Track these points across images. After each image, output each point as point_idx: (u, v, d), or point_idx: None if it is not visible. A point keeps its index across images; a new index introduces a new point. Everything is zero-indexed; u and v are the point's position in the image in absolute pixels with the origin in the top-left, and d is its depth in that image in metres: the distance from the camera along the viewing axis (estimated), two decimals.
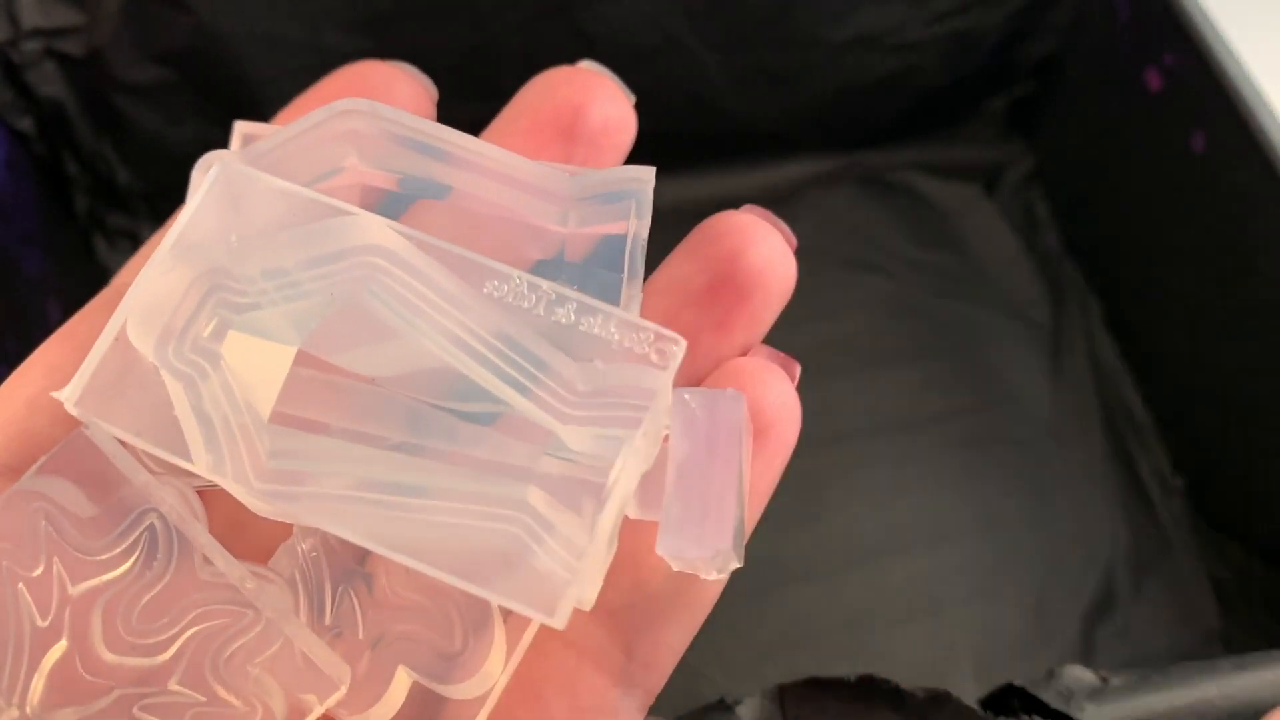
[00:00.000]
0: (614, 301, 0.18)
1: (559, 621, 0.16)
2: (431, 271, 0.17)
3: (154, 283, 0.17)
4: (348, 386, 0.17)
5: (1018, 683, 0.25)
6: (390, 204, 0.19)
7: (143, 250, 0.21)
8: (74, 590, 0.17)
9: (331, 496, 0.17)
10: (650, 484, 0.17)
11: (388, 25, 0.41)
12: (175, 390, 0.17)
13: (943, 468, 0.43)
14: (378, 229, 0.17)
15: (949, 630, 0.39)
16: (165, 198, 0.44)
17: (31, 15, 0.39)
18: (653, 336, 0.17)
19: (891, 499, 0.42)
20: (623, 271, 0.19)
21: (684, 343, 0.17)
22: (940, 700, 0.24)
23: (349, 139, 0.19)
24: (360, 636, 0.18)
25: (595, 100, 0.20)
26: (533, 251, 0.19)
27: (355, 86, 0.21)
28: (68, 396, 0.17)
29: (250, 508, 0.17)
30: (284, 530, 0.19)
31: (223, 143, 0.47)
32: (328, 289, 0.17)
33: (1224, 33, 0.39)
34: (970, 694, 0.25)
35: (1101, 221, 0.47)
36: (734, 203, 0.21)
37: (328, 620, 0.18)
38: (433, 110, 0.22)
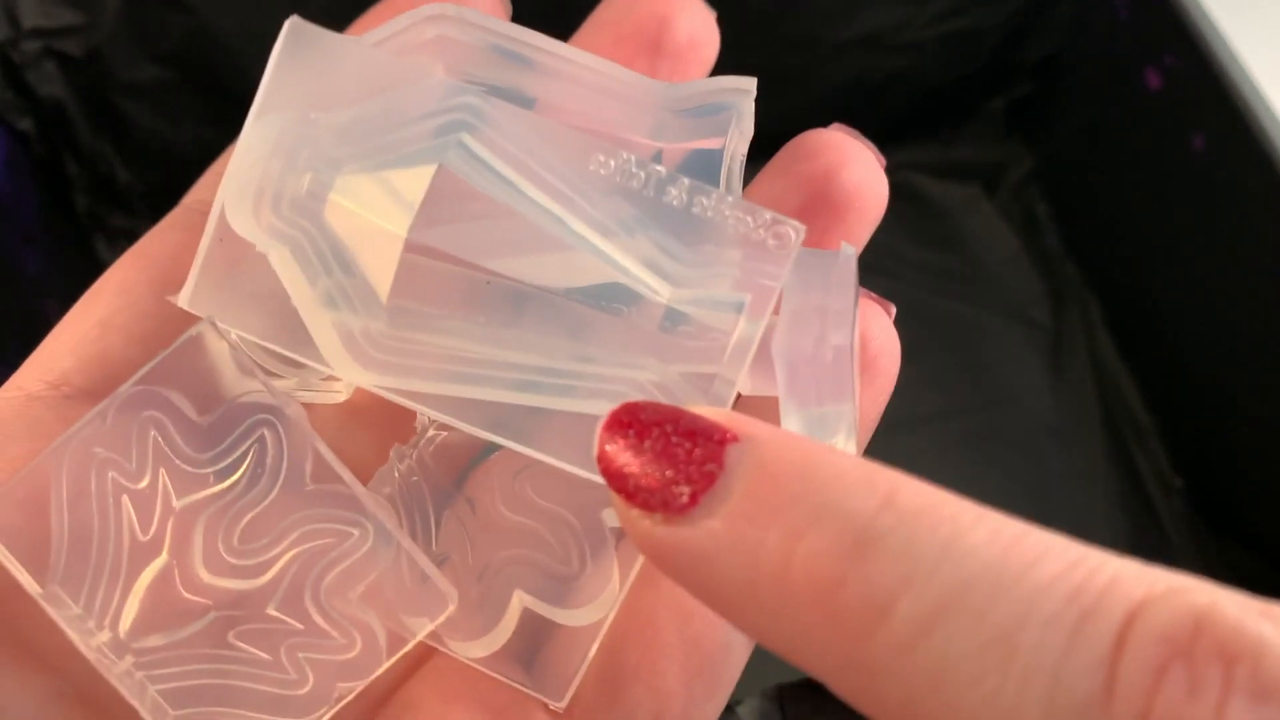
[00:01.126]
0: None
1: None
2: (534, 135, 0.16)
3: (242, 159, 0.16)
4: (459, 275, 0.16)
5: None
6: None
7: (215, 165, 0.20)
8: (179, 504, 0.16)
9: (451, 373, 0.16)
10: (762, 362, 0.16)
11: None
12: (282, 258, 0.15)
13: (943, 467, 0.43)
14: (472, 89, 0.16)
15: None
16: (165, 198, 0.44)
17: (31, 15, 0.39)
18: (769, 219, 0.16)
19: None
20: (720, 187, 0.17)
21: (803, 228, 0.16)
22: None
23: (436, 46, 0.17)
24: (469, 562, 0.17)
25: (681, 12, 0.20)
26: None
27: None
28: (182, 297, 0.16)
29: (365, 385, 0.16)
30: (373, 461, 0.18)
31: (224, 144, 0.46)
32: (427, 143, 0.16)
33: (1224, 33, 0.39)
34: None
35: (1101, 221, 0.47)
36: None
37: (434, 546, 0.17)
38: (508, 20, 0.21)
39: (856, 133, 0.19)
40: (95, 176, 0.43)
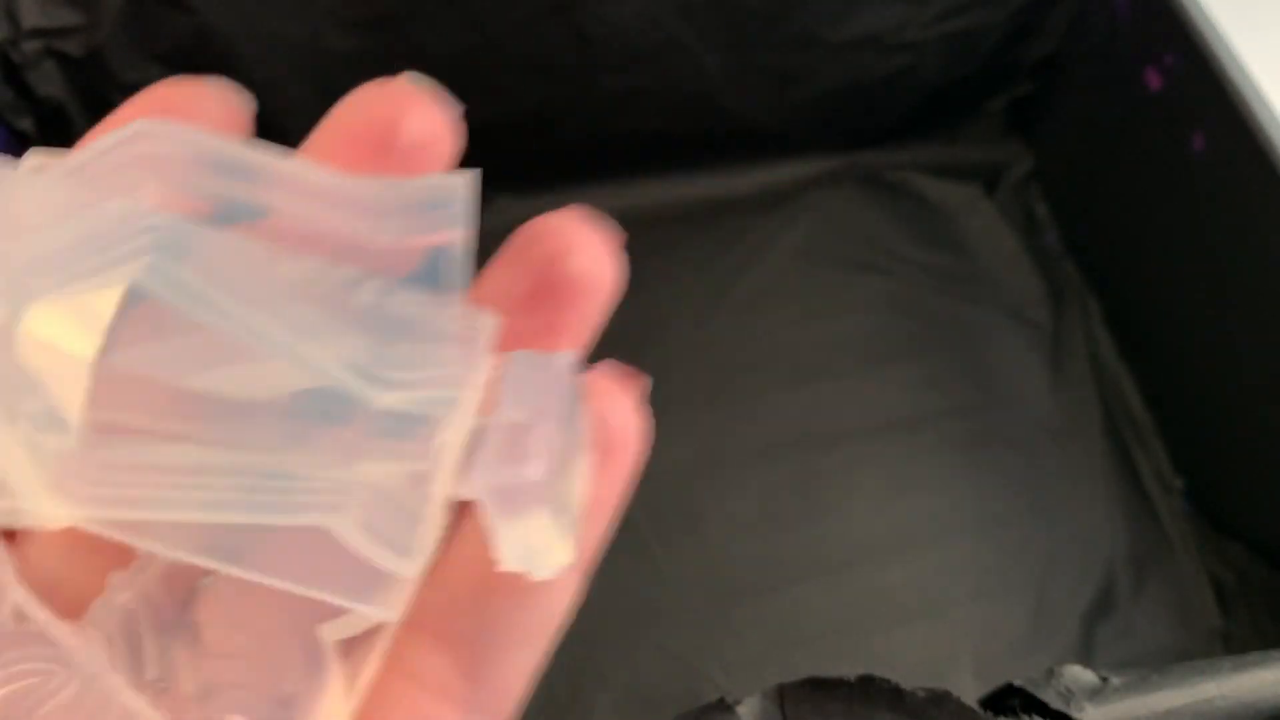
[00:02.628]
0: None
1: (395, 614, 0.16)
2: (222, 252, 0.16)
3: None
4: (154, 393, 0.16)
5: (1018, 683, 0.25)
6: None
7: None
8: None
9: (153, 497, 0.15)
10: (470, 467, 0.16)
11: (388, 25, 0.41)
12: None
13: (943, 468, 0.43)
14: (156, 211, 0.16)
15: (949, 630, 0.39)
16: None
17: (31, 15, 0.39)
18: (462, 312, 0.16)
19: (891, 499, 0.42)
20: (453, 280, 0.18)
21: (496, 317, 0.16)
22: (940, 700, 0.24)
23: (145, 164, 0.17)
24: (188, 690, 0.17)
25: (409, 112, 0.20)
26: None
27: (157, 108, 0.19)
28: None
29: (66, 519, 0.16)
30: (97, 589, 0.18)
31: None
32: (117, 268, 0.15)
33: (1224, 33, 0.39)
34: (970, 694, 0.25)
35: (1101, 221, 0.47)
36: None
37: (150, 675, 0.17)
38: (248, 125, 0.20)
39: (587, 215, 0.20)
40: None
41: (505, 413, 0.16)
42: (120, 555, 0.18)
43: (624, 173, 0.47)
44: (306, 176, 0.18)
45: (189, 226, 0.16)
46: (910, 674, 0.25)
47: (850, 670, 0.25)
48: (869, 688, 0.24)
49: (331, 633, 0.17)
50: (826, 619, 0.39)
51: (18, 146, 0.40)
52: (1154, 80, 0.42)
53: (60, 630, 0.16)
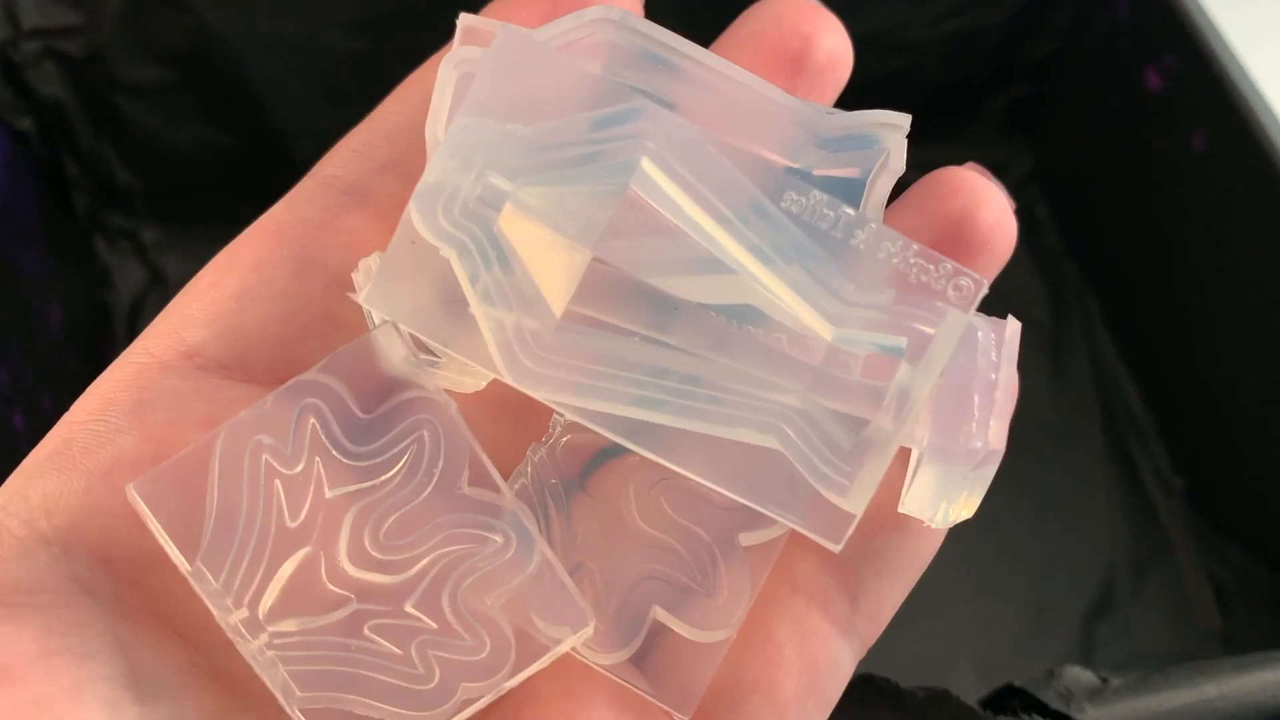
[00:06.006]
0: None
1: (839, 545, 0.16)
2: (727, 167, 0.16)
3: (435, 161, 0.16)
4: (625, 285, 0.16)
5: (1018, 683, 0.25)
6: None
7: (348, 139, 0.19)
8: (330, 494, 0.16)
9: (608, 391, 0.16)
10: (928, 414, 0.16)
11: (388, 25, 0.41)
12: (450, 260, 0.16)
13: None
14: (670, 114, 0.16)
15: (949, 630, 0.39)
16: (165, 198, 0.44)
17: (31, 15, 0.39)
18: (951, 270, 0.16)
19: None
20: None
21: (985, 282, 0.16)
22: (940, 700, 0.24)
23: (600, 50, 0.17)
24: (605, 572, 0.18)
25: (824, 30, 0.20)
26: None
27: None
28: (362, 297, 0.16)
29: (524, 389, 0.16)
30: (505, 450, 0.18)
31: (224, 144, 0.47)
32: (608, 164, 0.16)
33: (1224, 33, 0.39)
34: (970, 694, 0.25)
35: (1101, 221, 0.47)
36: None
37: (569, 551, 0.18)
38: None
39: (988, 172, 0.20)
40: (95, 176, 0.43)
41: (965, 373, 0.16)
42: (524, 422, 0.19)
43: None
44: (738, 84, 0.18)
45: (703, 137, 0.16)
46: (910, 674, 0.25)
47: None
48: (869, 687, 0.24)
49: (750, 539, 0.18)
50: None
51: (18, 146, 0.41)
52: (1154, 80, 0.42)
53: (511, 498, 0.17)
